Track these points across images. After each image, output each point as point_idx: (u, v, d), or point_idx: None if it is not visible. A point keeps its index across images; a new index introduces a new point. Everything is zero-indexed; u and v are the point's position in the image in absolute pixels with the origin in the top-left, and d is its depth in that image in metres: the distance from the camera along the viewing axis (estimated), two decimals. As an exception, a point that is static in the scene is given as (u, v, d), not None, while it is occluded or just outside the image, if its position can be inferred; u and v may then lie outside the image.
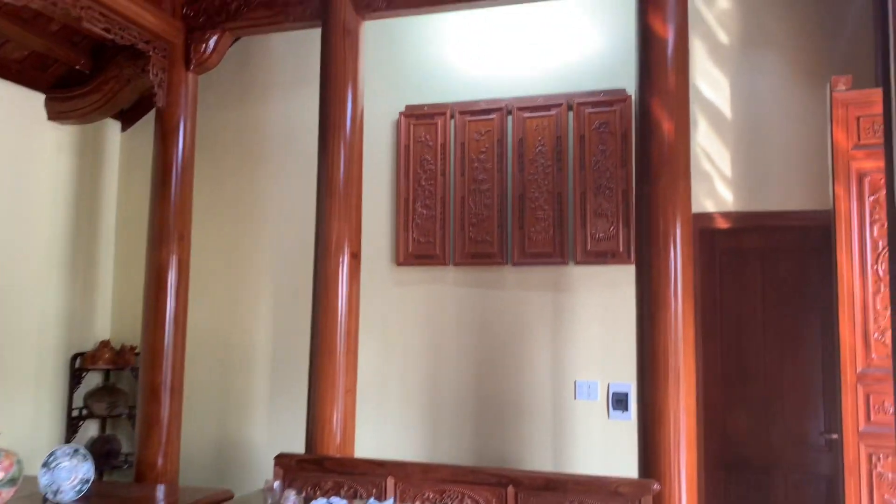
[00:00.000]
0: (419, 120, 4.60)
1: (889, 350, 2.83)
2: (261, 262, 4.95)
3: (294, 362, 4.54)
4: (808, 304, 3.94)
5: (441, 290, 4.53)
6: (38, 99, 4.73)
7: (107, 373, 5.01)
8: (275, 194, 4.94)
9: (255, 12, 4.07)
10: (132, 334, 4.93)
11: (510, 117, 4.44)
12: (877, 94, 2.72)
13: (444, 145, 4.54)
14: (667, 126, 3.07)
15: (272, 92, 5.02)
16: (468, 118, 4.51)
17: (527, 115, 4.40)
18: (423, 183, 4.56)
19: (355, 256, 3.68)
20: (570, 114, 4.33)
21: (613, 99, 4.25)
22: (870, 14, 3.81)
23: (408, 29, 4.70)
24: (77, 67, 4.68)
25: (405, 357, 4.57)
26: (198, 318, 4.64)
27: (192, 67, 4.21)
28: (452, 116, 4.55)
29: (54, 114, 4.75)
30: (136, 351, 4.77)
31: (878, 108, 2.65)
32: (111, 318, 5.23)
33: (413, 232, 4.55)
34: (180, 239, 4.12)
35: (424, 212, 4.54)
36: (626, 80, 4.09)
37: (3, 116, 4.48)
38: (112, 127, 5.31)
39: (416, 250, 4.54)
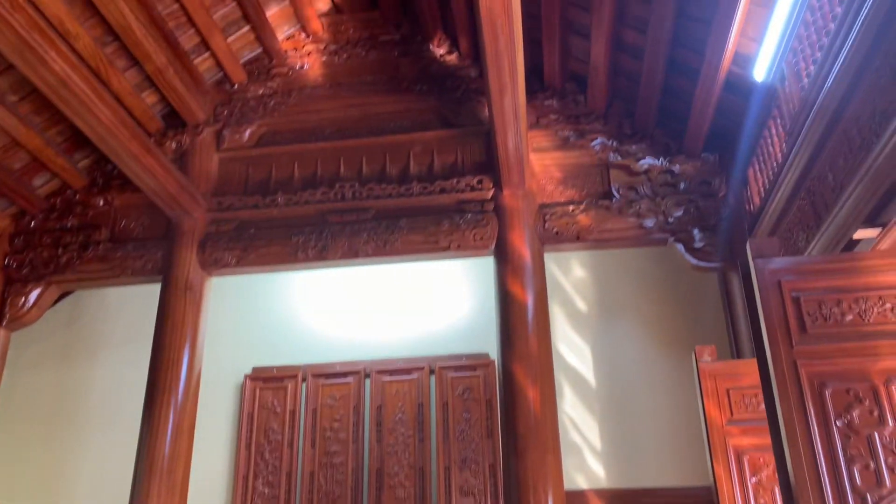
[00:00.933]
0: (267, 383, 4.17)
1: None
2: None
3: None
4: None
5: (282, 588, 3.78)
6: None
7: None
8: (88, 471, 4.18)
9: (89, 265, 3.69)
10: None
11: (368, 381, 4.11)
12: (744, 365, 2.64)
13: (293, 412, 4.08)
14: (532, 393, 2.93)
15: (102, 350, 4.47)
16: (322, 381, 4.13)
17: (386, 378, 4.09)
18: (267, 456, 4.00)
19: (172, 553, 3.02)
20: (433, 378, 4.07)
21: (477, 363, 4.05)
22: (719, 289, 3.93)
23: (259, 285, 4.41)
24: None
25: None
26: None
27: (4, 323, 3.66)
28: (304, 379, 4.16)
29: None
30: None
31: (747, 381, 2.56)
32: None
33: (251, 517, 3.89)
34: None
35: (266, 491, 3.92)
36: (489, 344, 3.91)
37: None
38: None
39: (253, 541, 3.85)
